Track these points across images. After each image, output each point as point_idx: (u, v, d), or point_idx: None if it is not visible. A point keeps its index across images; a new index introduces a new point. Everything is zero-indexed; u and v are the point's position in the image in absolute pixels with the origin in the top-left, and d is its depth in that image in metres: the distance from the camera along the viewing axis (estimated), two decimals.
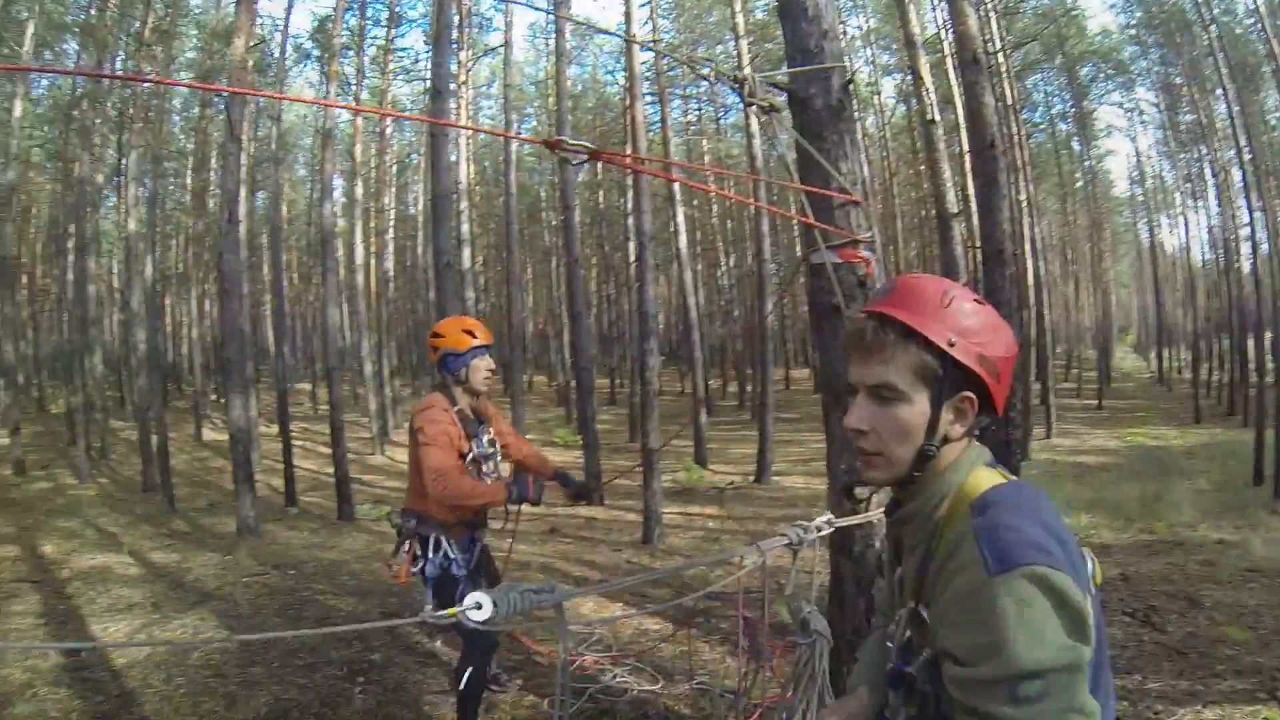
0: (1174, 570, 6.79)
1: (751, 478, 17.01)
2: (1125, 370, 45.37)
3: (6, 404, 22.25)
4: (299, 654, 5.36)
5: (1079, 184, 37.39)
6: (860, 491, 3.37)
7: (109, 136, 24.06)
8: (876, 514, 3.20)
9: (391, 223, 34.15)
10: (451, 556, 3.97)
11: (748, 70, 3.40)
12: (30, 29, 21.23)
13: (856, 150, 3.66)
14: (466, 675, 3.76)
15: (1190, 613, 5.65)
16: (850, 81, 3.70)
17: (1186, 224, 36.65)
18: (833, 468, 3.58)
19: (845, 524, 3.06)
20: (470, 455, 4.00)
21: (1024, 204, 23.71)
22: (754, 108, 3.45)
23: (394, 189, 35.06)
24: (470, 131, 25.42)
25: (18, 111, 22.47)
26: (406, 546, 4.09)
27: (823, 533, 2.87)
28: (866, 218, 3.58)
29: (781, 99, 3.67)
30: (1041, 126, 34.86)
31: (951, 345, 1.37)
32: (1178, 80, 29.60)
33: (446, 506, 3.85)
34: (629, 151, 13.66)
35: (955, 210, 10.66)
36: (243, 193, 16.50)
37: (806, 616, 2.83)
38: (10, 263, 23.35)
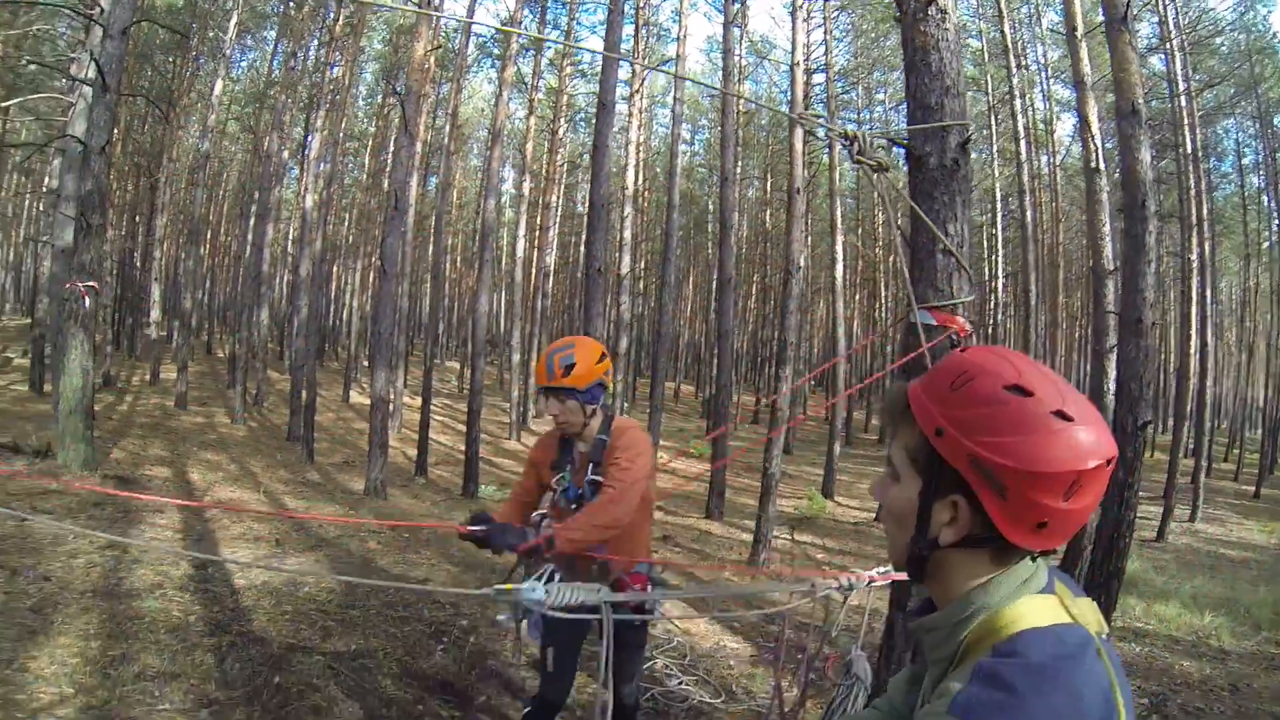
0: None
1: (873, 515, 16.85)
2: None
3: (179, 344, 24.09)
4: (395, 608, 5.80)
5: (1265, 244, 33.44)
6: None
7: (298, 116, 25.96)
8: None
9: (556, 220, 34.92)
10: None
11: (861, 127, 3.52)
12: (234, 18, 23.43)
13: (967, 211, 3.70)
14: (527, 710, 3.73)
15: None
16: (968, 140, 3.72)
17: None
18: None
19: (899, 578, 3.24)
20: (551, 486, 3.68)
21: (1194, 262, 22.07)
22: (863, 166, 3.47)
23: (562, 187, 35.82)
24: (639, 142, 25.71)
25: (218, 89, 24.74)
26: None
27: (874, 583, 3.07)
28: (970, 283, 3.62)
29: (898, 153, 3.73)
30: (1229, 177, 31.93)
31: (939, 434, 1.15)
32: None
33: None
34: (791, 176, 13.62)
35: (1111, 268, 10.15)
36: (414, 180, 17.39)
37: (851, 659, 3.05)
38: (199, 222, 25.44)
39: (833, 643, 5.35)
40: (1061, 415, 1.09)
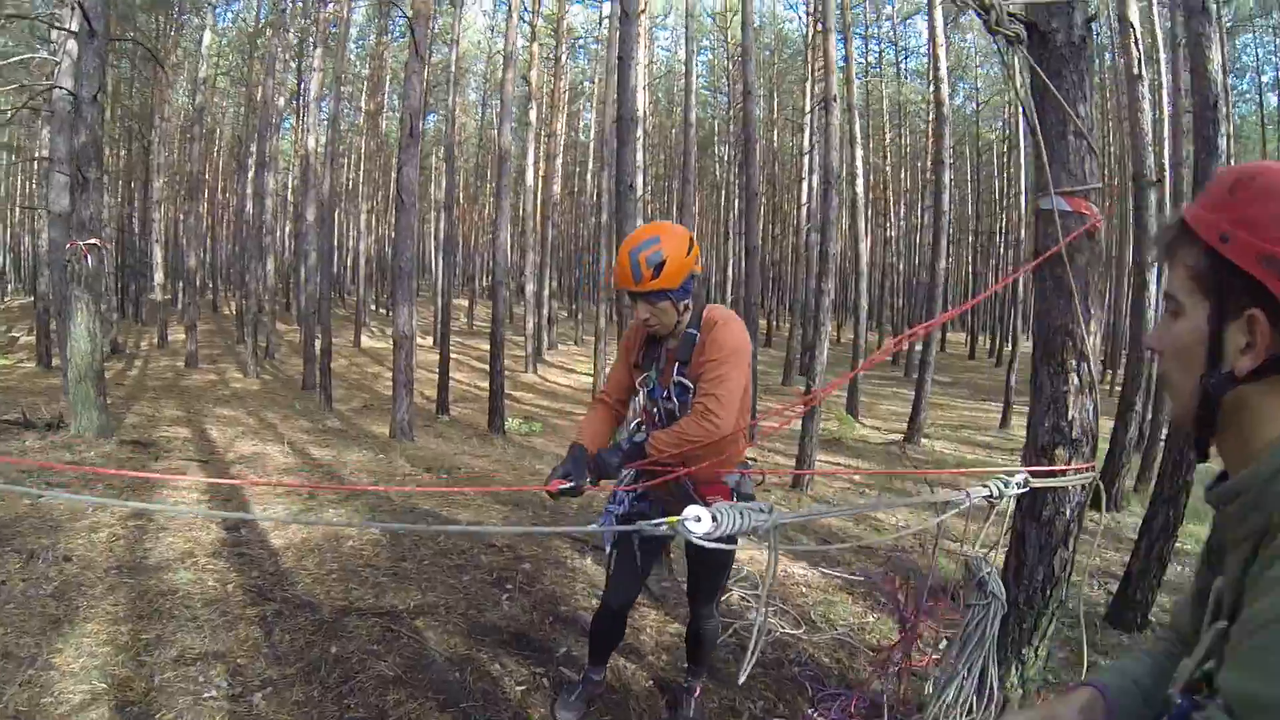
0: None
1: (902, 436, 16.48)
2: None
3: (185, 304, 23.77)
4: (449, 555, 5.36)
5: None
6: (1060, 454, 3.21)
7: (289, 63, 25.32)
8: (1075, 479, 3.12)
9: (561, 148, 34.48)
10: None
11: None
12: None
13: (1093, 93, 3.40)
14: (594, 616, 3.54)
15: None
16: (1093, 18, 3.39)
17: None
18: (1034, 425, 3.36)
19: (1042, 485, 3.00)
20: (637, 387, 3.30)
21: None
22: (999, 36, 3.25)
23: (565, 115, 35.36)
24: (645, 63, 25.21)
25: (206, 40, 24.10)
26: None
27: (1020, 490, 2.78)
28: (1099, 167, 3.38)
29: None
30: (1247, 95, 31.67)
31: (1224, 240, 0.99)
32: None
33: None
34: (812, 91, 13.08)
35: (1154, 178, 9.79)
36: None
37: (984, 577, 2.88)
38: (197, 178, 24.80)
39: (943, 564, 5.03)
40: None
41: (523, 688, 3.72)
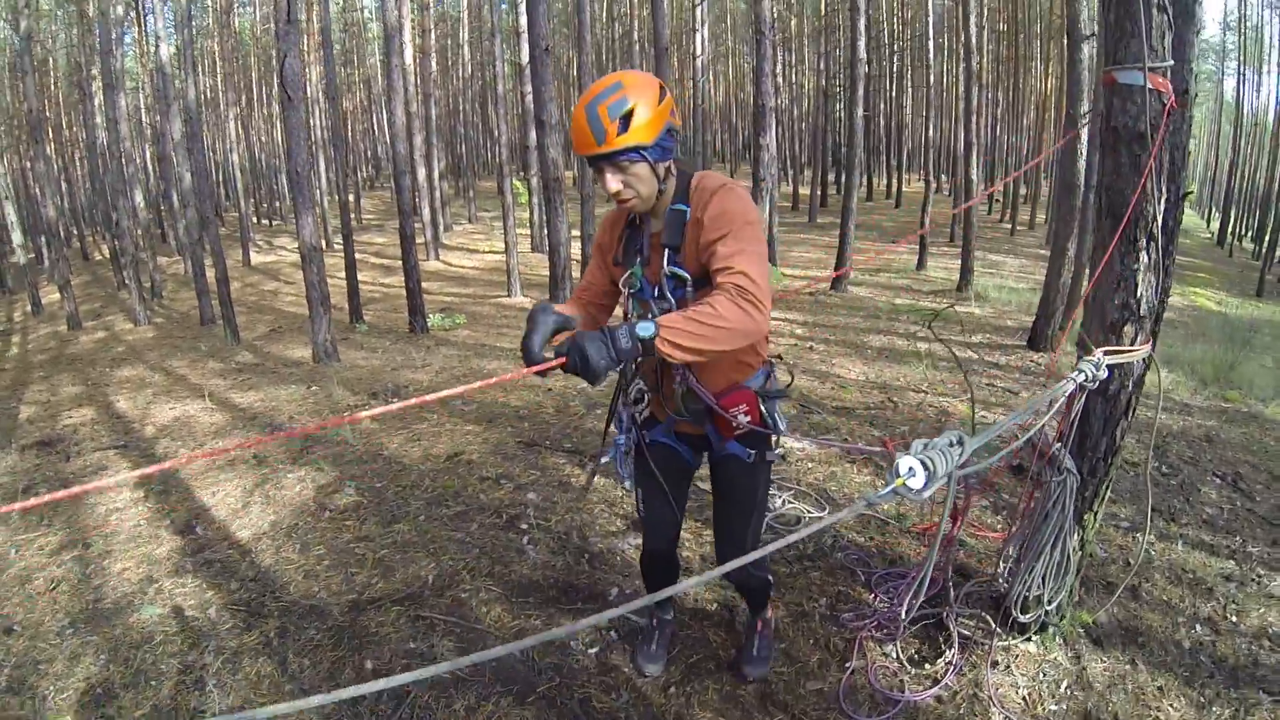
0: (1253, 441, 6.51)
1: (829, 285, 16.37)
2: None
3: (53, 260, 21.89)
4: (444, 502, 4.95)
5: None
6: (1128, 330, 3.18)
7: None
8: (1140, 353, 3.11)
9: (433, 23, 32.86)
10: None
11: None
12: None
13: None
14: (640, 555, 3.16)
15: (1274, 485, 5.47)
16: None
17: None
18: (1100, 300, 3.26)
19: (1117, 361, 2.97)
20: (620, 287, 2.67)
21: None
22: None
23: None
24: None
25: None
26: None
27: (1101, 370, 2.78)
28: (1178, 44, 3.05)
29: None
30: None
31: None
32: None
33: None
34: None
35: (1087, 33, 9.81)
36: None
37: (1057, 453, 3.12)
38: (38, 117, 22.05)
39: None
40: None
41: (595, 649, 3.42)
